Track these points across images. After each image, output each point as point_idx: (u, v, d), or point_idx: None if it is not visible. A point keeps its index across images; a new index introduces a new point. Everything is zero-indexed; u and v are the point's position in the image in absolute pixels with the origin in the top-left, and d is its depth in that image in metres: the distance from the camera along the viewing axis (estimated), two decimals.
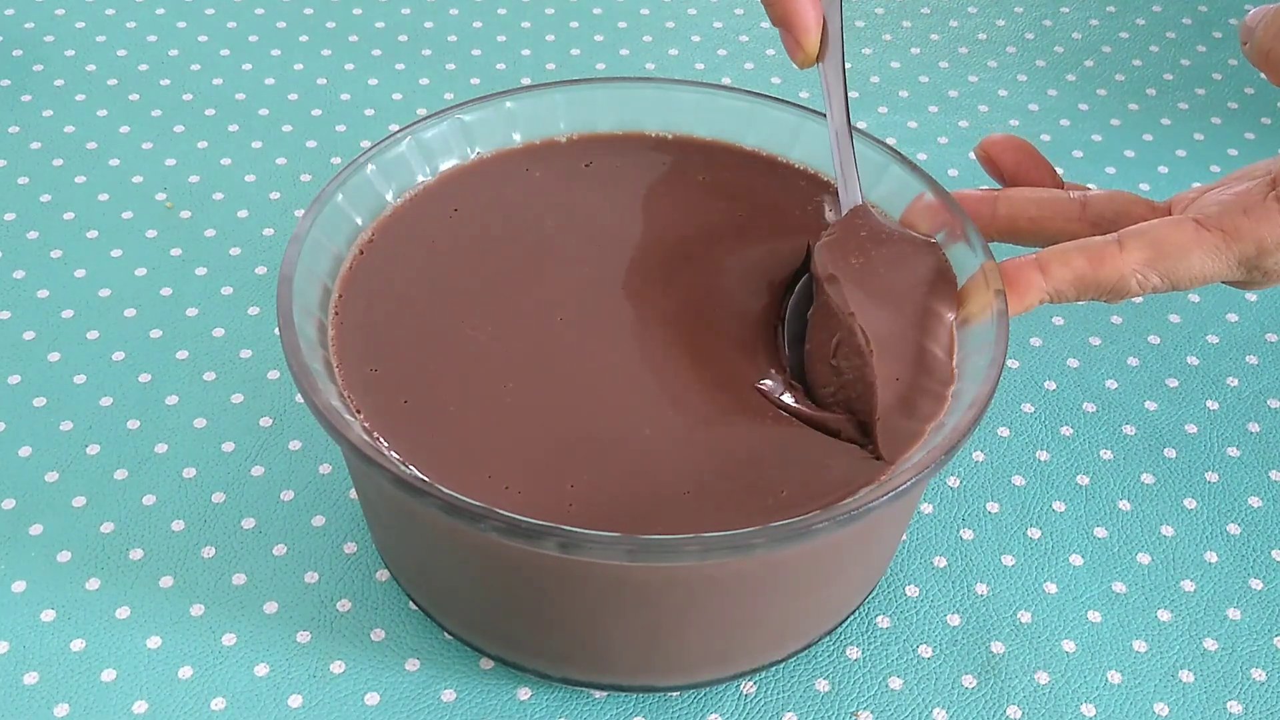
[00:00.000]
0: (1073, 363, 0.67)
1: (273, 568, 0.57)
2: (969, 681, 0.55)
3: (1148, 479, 0.62)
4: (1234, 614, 0.57)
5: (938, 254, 0.55)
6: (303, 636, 0.55)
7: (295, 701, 0.53)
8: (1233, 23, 0.87)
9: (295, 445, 0.62)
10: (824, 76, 0.56)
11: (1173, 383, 0.66)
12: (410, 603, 0.56)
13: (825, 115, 0.60)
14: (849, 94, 0.57)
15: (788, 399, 0.53)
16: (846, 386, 0.53)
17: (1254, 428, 0.64)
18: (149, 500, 0.59)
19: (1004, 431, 0.64)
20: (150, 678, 0.54)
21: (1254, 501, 0.61)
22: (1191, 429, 0.64)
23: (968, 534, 0.60)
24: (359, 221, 0.58)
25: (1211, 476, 0.62)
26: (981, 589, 0.58)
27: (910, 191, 0.58)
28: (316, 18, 0.84)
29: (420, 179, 0.60)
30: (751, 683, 0.55)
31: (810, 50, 0.54)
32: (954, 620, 0.57)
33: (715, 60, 0.82)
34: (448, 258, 0.57)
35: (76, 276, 0.68)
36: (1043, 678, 0.55)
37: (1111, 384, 0.66)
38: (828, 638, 0.56)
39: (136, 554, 0.58)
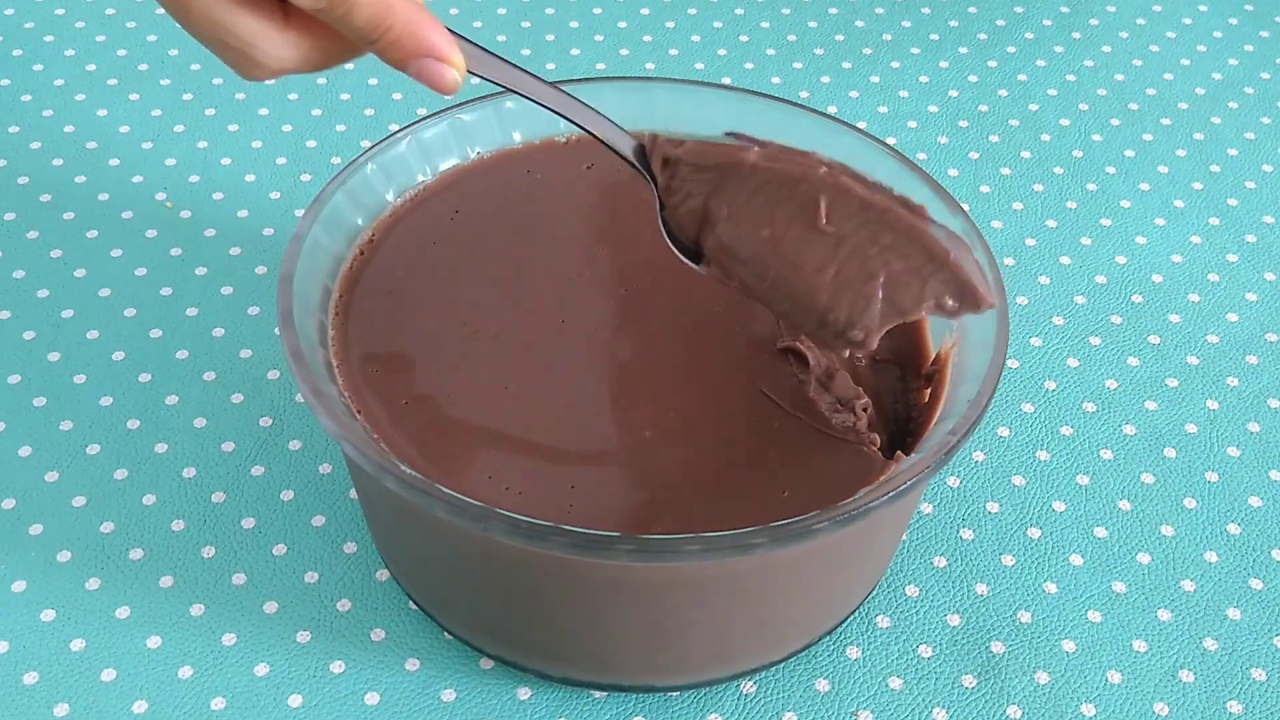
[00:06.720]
0: (1073, 363, 0.67)
1: (273, 568, 0.57)
2: (969, 681, 0.55)
3: (1148, 479, 0.62)
4: (1234, 614, 0.57)
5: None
6: (303, 636, 0.55)
7: (295, 701, 0.53)
8: (1233, 22, 0.87)
9: (295, 445, 0.62)
10: (492, 78, 0.51)
11: (1173, 383, 0.66)
12: (410, 603, 0.56)
13: (825, 115, 0.60)
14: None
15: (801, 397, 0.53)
16: (860, 248, 0.49)
17: (1254, 428, 0.64)
18: (149, 500, 0.59)
19: (1004, 431, 0.64)
20: (150, 678, 0.54)
21: (1254, 501, 0.61)
22: (1191, 429, 0.64)
23: (968, 534, 0.60)
24: (359, 221, 0.58)
25: (1211, 476, 0.62)
26: (981, 589, 0.58)
27: (910, 191, 0.58)
28: None
29: (420, 179, 0.60)
30: (751, 683, 0.55)
31: (462, 65, 0.50)
32: (954, 620, 0.57)
33: (715, 60, 0.82)
34: (448, 258, 0.58)
35: (76, 276, 0.68)
36: (1043, 678, 0.55)
37: (1111, 384, 0.66)
38: (828, 638, 0.56)
39: (136, 554, 0.58)
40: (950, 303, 0.49)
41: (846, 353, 0.52)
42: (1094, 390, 0.66)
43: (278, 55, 0.48)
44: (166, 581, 0.57)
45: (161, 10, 0.82)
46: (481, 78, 0.50)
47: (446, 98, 0.52)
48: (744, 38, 0.84)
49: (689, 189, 0.52)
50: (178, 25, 0.48)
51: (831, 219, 0.50)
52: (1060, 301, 0.69)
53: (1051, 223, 0.73)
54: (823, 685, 0.55)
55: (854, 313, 0.50)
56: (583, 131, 0.53)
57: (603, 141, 0.53)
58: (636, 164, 0.53)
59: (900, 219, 0.49)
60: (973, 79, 0.82)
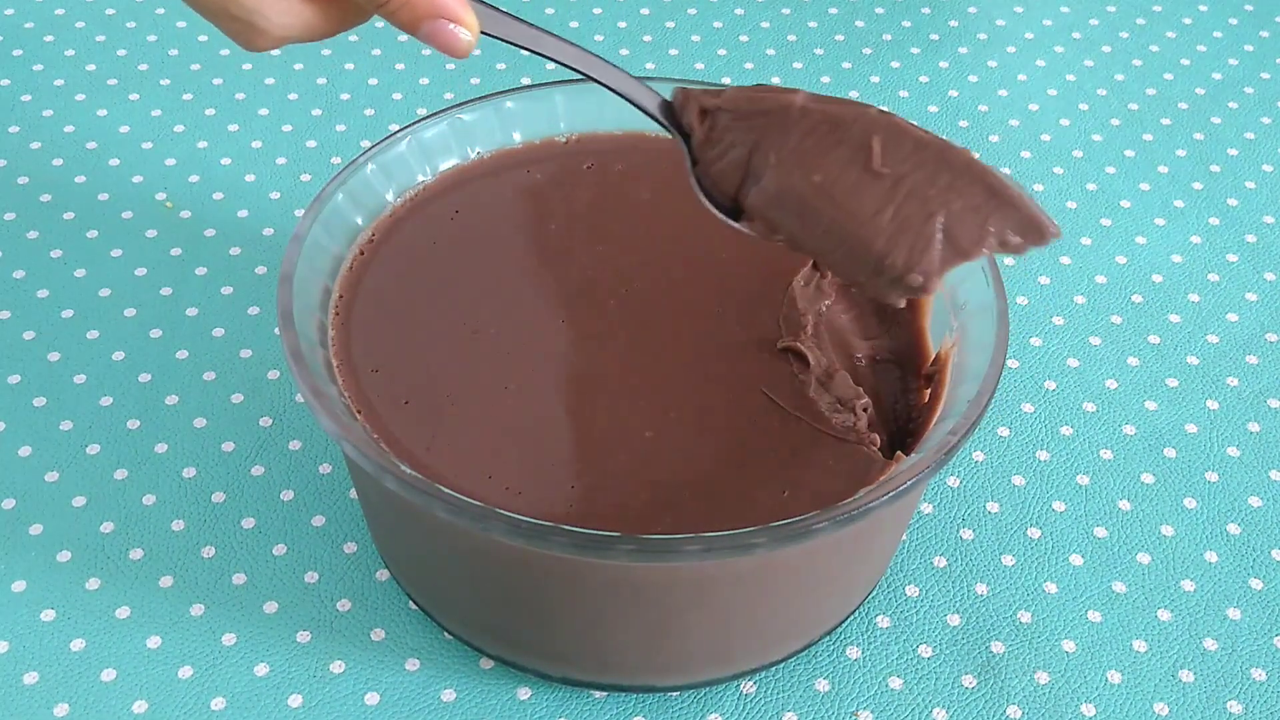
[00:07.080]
0: (1073, 363, 0.67)
1: (273, 568, 0.57)
2: (969, 681, 0.55)
3: (1148, 479, 0.62)
4: (1234, 614, 0.57)
5: None
6: (303, 636, 0.55)
7: (295, 701, 0.53)
8: (1233, 23, 0.87)
9: (295, 445, 0.62)
10: (509, 37, 0.49)
11: (1173, 383, 0.66)
12: (410, 603, 0.56)
13: None
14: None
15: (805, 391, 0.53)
16: (918, 189, 0.47)
17: (1254, 428, 0.64)
18: (149, 500, 0.59)
19: (1004, 431, 0.64)
20: (150, 678, 0.54)
21: (1254, 501, 0.61)
22: (1191, 429, 0.64)
23: (968, 534, 0.60)
24: (359, 221, 0.58)
25: (1211, 476, 0.62)
26: (981, 589, 0.58)
27: None
28: None
29: (420, 179, 0.60)
30: (751, 683, 0.55)
31: (475, 26, 0.47)
32: (954, 620, 0.57)
33: (715, 60, 0.82)
34: (448, 258, 0.58)
35: (76, 276, 0.68)
36: (1043, 678, 0.55)
37: (1111, 384, 0.66)
38: (828, 638, 0.56)
39: (136, 554, 0.58)
40: (1014, 238, 0.46)
41: (903, 301, 0.49)
42: (1094, 390, 0.66)
43: (281, 22, 0.47)
44: (166, 581, 0.57)
45: (162, 10, 0.82)
46: (497, 38, 0.49)
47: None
48: (744, 38, 0.84)
49: (731, 139, 0.50)
50: (177, 24, 0.48)
51: (887, 160, 0.47)
52: (1060, 301, 0.69)
53: None
54: (823, 685, 0.55)
55: (913, 256, 0.47)
56: (606, 89, 0.51)
57: (626, 98, 0.51)
58: (663, 120, 0.51)
59: (958, 156, 0.46)
60: (973, 79, 0.82)
